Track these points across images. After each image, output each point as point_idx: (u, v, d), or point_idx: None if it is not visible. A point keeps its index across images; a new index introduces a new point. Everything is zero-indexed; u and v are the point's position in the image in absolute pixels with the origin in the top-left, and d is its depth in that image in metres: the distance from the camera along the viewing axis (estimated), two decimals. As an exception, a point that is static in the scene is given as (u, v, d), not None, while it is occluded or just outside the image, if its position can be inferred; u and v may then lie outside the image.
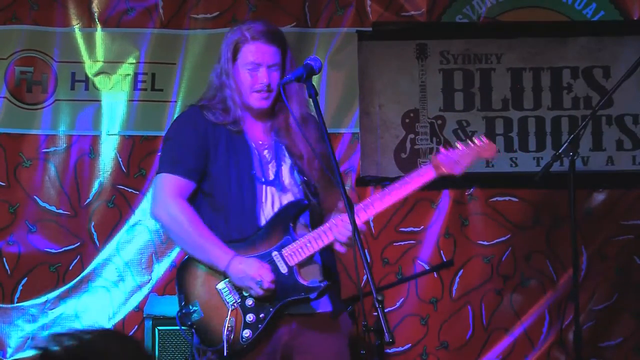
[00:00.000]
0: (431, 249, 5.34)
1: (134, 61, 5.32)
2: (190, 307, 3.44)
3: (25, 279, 5.19)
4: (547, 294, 5.32)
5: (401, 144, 5.41)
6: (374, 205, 3.47)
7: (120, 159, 5.28)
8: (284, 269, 3.44)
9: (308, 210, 3.53)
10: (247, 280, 3.39)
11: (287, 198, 3.52)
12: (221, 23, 5.36)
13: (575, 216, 4.24)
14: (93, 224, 5.25)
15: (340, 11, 5.42)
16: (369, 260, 3.31)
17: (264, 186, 3.51)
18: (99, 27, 5.32)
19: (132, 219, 5.27)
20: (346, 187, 3.88)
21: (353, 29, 5.39)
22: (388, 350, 5.06)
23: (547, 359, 5.29)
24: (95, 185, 5.27)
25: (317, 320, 3.49)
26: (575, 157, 4.29)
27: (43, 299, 5.18)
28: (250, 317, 3.42)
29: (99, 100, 5.30)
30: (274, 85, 3.54)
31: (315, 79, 3.72)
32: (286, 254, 3.45)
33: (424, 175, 3.51)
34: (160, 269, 5.26)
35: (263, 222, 3.48)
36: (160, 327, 4.65)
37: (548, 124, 5.40)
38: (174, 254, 5.26)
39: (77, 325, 5.19)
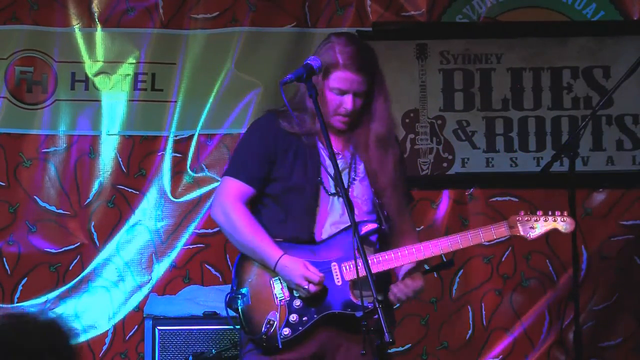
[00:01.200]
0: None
1: (134, 61, 5.32)
2: (241, 290, 3.51)
3: (25, 279, 5.20)
4: (547, 293, 5.33)
5: (401, 144, 5.40)
6: (442, 247, 3.60)
7: (120, 159, 5.28)
8: (338, 282, 3.48)
9: (378, 232, 3.55)
10: (296, 278, 3.43)
11: (353, 212, 3.46)
12: (221, 23, 5.36)
13: (575, 216, 4.24)
14: (93, 224, 5.25)
15: (340, 11, 5.42)
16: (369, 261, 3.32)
17: (330, 197, 3.56)
18: (99, 27, 5.32)
19: (132, 219, 5.28)
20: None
21: (353, 29, 5.38)
22: (388, 351, 5.06)
23: (547, 359, 5.29)
24: (95, 185, 5.27)
25: (356, 324, 3.44)
26: (575, 157, 4.29)
27: (43, 299, 5.18)
28: (293, 317, 3.46)
29: (99, 100, 5.30)
30: (356, 109, 3.56)
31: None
32: (345, 268, 3.48)
33: (497, 232, 3.61)
34: (160, 269, 5.26)
35: (319, 229, 3.53)
36: (160, 327, 4.65)
37: (548, 124, 5.40)
38: (174, 254, 5.27)
39: (77, 325, 5.19)
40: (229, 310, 3.52)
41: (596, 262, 5.32)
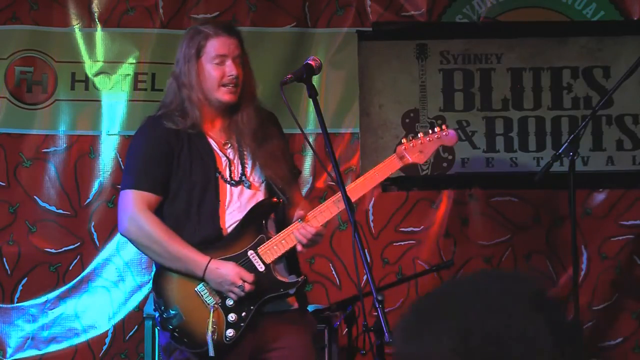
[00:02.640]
0: (431, 249, 5.34)
1: (134, 61, 5.32)
2: (171, 312, 3.45)
3: (25, 279, 5.19)
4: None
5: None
6: (340, 201, 3.50)
7: (120, 159, 5.28)
8: (261, 267, 3.49)
9: (277, 208, 3.57)
10: (226, 284, 3.42)
11: (253, 196, 3.55)
12: (221, 23, 5.36)
13: (575, 216, 4.24)
14: (93, 224, 5.25)
15: (340, 11, 5.42)
16: (369, 261, 3.32)
17: (228, 186, 3.54)
18: (99, 27, 5.31)
19: (132, 219, 5.27)
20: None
21: (353, 29, 5.39)
22: (388, 350, 5.06)
23: (547, 359, 5.28)
24: (95, 185, 5.27)
25: (284, 316, 3.54)
26: (575, 157, 4.29)
27: (43, 299, 5.18)
28: (232, 316, 3.45)
29: (99, 100, 5.30)
30: (240, 78, 3.58)
31: (315, 79, 3.73)
32: (262, 252, 3.49)
33: (390, 165, 3.62)
34: (160, 269, 5.26)
35: (225, 222, 3.50)
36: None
37: (548, 124, 5.40)
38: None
39: (77, 325, 5.20)
40: (165, 332, 3.48)
41: (596, 262, 5.32)
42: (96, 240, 5.24)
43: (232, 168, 3.56)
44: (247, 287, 3.41)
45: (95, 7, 5.31)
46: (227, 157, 3.54)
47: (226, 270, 3.42)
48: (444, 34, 5.43)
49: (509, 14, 5.44)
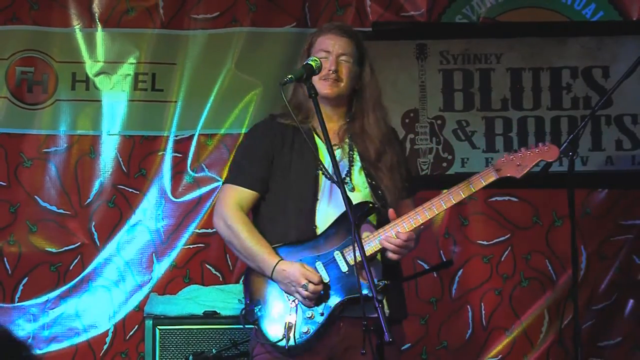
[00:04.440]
0: (431, 249, 5.35)
1: (135, 61, 5.33)
2: (254, 305, 3.53)
3: (26, 278, 5.20)
4: (547, 293, 5.33)
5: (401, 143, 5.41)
6: (436, 206, 3.56)
7: (120, 159, 5.29)
8: (344, 268, 3.50)
9: (375, 213, 3.57)
10: (292, 285, 3.46)
11: (356, 198, 3.56)
12: (221, 23, 5.37)
13: (575, 216, 4.25)
14: (93, 223, 5.26)
15: (340, 11, 5.43)
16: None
17: (329, 183, 3.58)
18: (99, 27, 5.32)
19: (133, 219, 5.28)
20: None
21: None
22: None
23: (547, 359, 5.30)
24: (96, 185, 5.28)
25: (369, 324, 3.44)
26: (574, 157, 4.29)
27: (44, 298, 5.19)
28: (309, 313, 3.48)
29: (100, 100, 5.31)
30: (343, 74, 3.63)
31: (315, 79, 3.74)
32: (348, 253, 3.49)
33: (486, 178, 3.60)
34: (161, 268, 5.27)
35: (319, 220, 3.54)
36: (160, 327, 4.65)
37: (547, 124, 5.41)
38: (174, 253, 5.28)
39: (78, 324, 5.21)
40: (245, 324, 3.54)
41: (595, 261, 5.33)
42: (97, 240, 5.25)
43: (336, 168, 3.51)
44: (312, 287, 3.42)
45: (96, 8, 5.32)
46: (333, 157, 3.51)
47: (292, 271, 3.46)
48: (443, 34, 5.44)
49: (508, 14, 5.45)
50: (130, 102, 5.32)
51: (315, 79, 3.54)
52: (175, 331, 4.64)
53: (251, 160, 3.63)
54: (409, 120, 5.42)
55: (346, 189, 3.50)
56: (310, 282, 3.43)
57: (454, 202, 3.59)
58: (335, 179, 3.42)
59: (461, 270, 5.34)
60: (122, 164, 5.29)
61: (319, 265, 3.50)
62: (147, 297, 5.13)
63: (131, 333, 5.21)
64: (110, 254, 5.26)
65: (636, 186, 5.36)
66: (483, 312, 5.33)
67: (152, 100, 5.34)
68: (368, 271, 3.19)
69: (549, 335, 5.30)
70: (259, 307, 3.52)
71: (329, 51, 3.63)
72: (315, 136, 3.64)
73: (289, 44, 5.33)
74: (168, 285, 5.23)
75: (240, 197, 3.61)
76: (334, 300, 3.48)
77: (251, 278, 3.59)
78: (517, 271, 5.35)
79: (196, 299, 4.74)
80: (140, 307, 5.18)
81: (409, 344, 5.29)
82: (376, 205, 3.56)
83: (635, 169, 5.38)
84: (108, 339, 5.21)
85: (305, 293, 3.43)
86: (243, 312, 3.56)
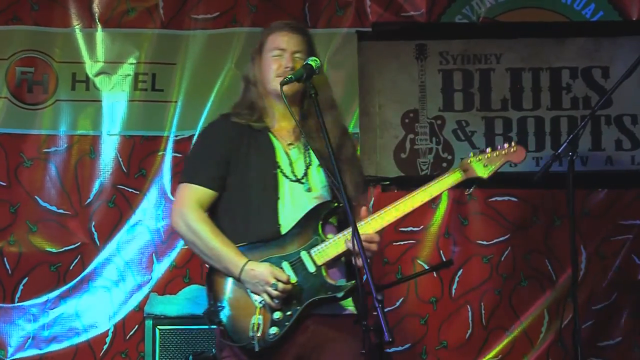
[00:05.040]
0: (431, 249, 5.36)
1: (135, 61, 5.34)
2: (219, 305, 3.48)
3: (26, 278, 5.21)
4: (546, 293, 5.34)
5: (401, 144, 5.43)
6: (400, 206, 3.52)
7: (120, 159, 5.29)
8: (311, 269, 3.47)
9: (337, 211, 3.54)
10: (260, 284, 3.42)
11: (313, 197, 3.54)
12: (221, 23, 5.37)
13: (574, 216, 4.25)
14: (93, 223, 5.27)
15: (339, 11, 5.43)
16: (368, 260, 3.32)
17: (287, 182, 3.55)
18: (99, 28, 5.33)
19: (133, 219, 5.29)
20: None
21: (353, 29, 5.40)
22: (388, 350, 5.07)
23: (547, 358, 5.30)
24: (96, 185, 5.29)
25: (337, 321, 3.50)
26: (574, 157, 4.29)
27: (44, 298, 5.19)
28: (277, 315, 3.44)
29: (100, 101, 5.32)
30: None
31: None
32: (315, 254, 3.47)
33: (452, 178, 3.59)
34: (161, 268, 5.27)
35: (282, 219, 3.50)
36: (160, 327, 4.66)
37: (547, 124, 5.42)
38: (174, 253, 5.28)
39: (78, 324, 5.21)
40: (210, 324, 3.49)
41: (595, 261, 5.33)
42: (97, 240, 5.26)
43: (294, 167, 3.56)
44: (281, 286, 3.39)
45: (96, 8, 5.33)
46: (289, 157, 3.54)
47: (261, 271, 3.42)
48: (443, 34, 5.45)
49: (508, 14, 5.46)
50: (130, 102, 5.33)
51: (268, 78, 3.56)
52: (175, 331, 4.65)
53: (208, 159, 3.58)
54: (408, 120, 5.42)
55: (303, 188, 3.52)
56: (279, 281, 3.40)
57: (422, 202, 3.56)
58: (293, 178, 3.47)
59: (461, 270, 5.35)
60: (122, 164, 5.30)
61: (286, 265, 3.47)
62: (147, 297, 5.13)
63: (131, 333, 5.22)
64: (110, 254, 5.27)
65: (636, 186, 5.37)
66: (483, 311, 5.33)
67: (152, 100, 5.35)
68: (369, 273, 3.18)
69: (549, 335, 5.31)
70: (223, 307, 3.47)
71: (284, 49, 3.60)
72: (271, 135, 3.61)
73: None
74: (168, 285, 5.23)
75: (198, 197, 3.55)
76: (303, 301, 3.44)
77: (214, 278, 3.53)
78: (517, 271, 5.36)
79: (196, 299, 4.74)
80: (140, 307, 5.18)
81: (409, 344, 5.30)
82: (340, 205, 3.47)
83: (634, 169, 5.38)
84: (108, 339, 5.21)
85: (274, 293, 3.39)
86: (207, 311, 3.50)
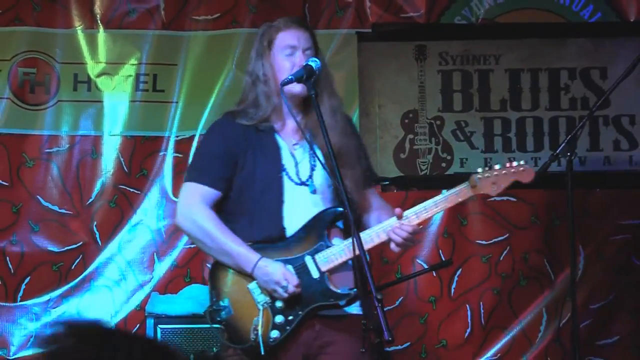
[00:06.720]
0: (430, 249, 5.37)
1: (136, 62, 5.35)
2: (221, 304, 3.47)
3: (28, 278, 5.22)
4: (545, 292, 5.35)
5: (400, 144, 5.44)
6: (411, 220, 3.50)
7: (122, 159, 5.31)
8: (315, 274, 3.46)
9: (343, 216, 3.50)
10: (272, 283, 3.41)
11: (319, 200, 3.52)
12: (222, 24, 5.38)
13: (573, 216, 4.27)
14: (95, 223, 5.28)
15: (339, 12, 5.45)
16: (368, 260, 3.34)
17: (293, 185, 3.52)
18: (101, 29, 5.34)
19: (134, 219, 5.30)
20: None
21: (352, 30, 5.41)
22: (387, 349, 5.09)
23: (545, 357, 5.32)
24: (98, 185, 5.30)
25: (344, 322, 3.49)
26: (572, 158, 4.31)
27: (46, 297, 5.21)
28: (279, 318, 3.43)
29: (101, 101, 5.33)
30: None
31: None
32: (319, 260, 3.46)
33: (461, 194, 3.57)
34: (162, 268, 5.29)
35: (287, 223, 3.49)
36: (161, 326, 4.68)
37: (546, 125, 5.44)
38: (175, 253, 5.29)
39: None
40: (212, 323, 3.49)
41: (593, 261, 5.35)
42: (98, 239, 5.27)
43: (299, 169, 3.53)
44: (291, 289, 3.38)
45: (97, 9, 5.34)
46: (295, 158, 3.52)
47: (274, 269, 3.41)
48: (442, 35, 5.46)
49: (507, 15, 5.47)
50: (131, 103, 5.34)
51: (282, 76, 3.49)
52: (177, 330, 4.67)
53: (214, 159, 3.56)
54: (408, 120, 5.44)
55: (308, 191, 3.50)
56: (289, 283, 3.39)
57: (425, 218, 3.55)
58: (299, 182, 3.46)
59: (460, 270, 5.36)
60: (123, 164, 5.31)
61: (290, 269, 3.45)
62: (148, 296, 5.14)
63: (133, 332, 5.23)
64: (111, 254, 5.28)
65: (634, 186, 5.38)
66: (482, 311, 5.35)
67: (153, 100, 5.36)
68: (370, 275, 3.19)
69: (548, 334, 5.32)
70: (226, 306, 3.46)
71: (295, 46, 3.56)
72: (277, 136, 3.58)
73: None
74: (169, 285, 5.25)
75: (204, 196, 3.52)
76: (305, 306, 3.44)
77: (217, 275, 3.51)
78: (516, 270, 5.37)
79: (197, 298, 4.76)
80: (141, 307, 5.18)
81: (408, 343, 5.31)
82: (346, 210, 3.39)
83: (632, 169, 5.40)
84: (109, 338, 5.22)
85: (284, 295, 3.39)
86: (209, 310, 3.48)
